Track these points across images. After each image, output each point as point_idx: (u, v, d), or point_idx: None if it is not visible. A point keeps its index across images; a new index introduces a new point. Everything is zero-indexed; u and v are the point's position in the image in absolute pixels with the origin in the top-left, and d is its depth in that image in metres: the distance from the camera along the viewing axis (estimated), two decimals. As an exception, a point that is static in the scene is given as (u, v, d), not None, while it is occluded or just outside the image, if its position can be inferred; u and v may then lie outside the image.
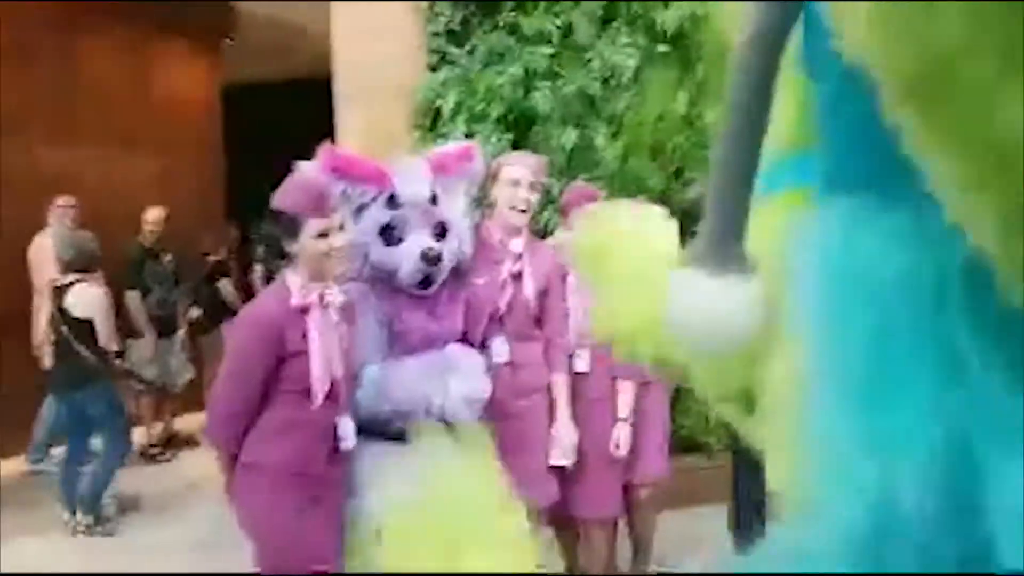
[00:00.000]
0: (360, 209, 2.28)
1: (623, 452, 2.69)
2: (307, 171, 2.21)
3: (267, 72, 7.67)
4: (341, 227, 2.09)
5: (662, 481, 2.96)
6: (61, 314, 3.77)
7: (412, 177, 2.33)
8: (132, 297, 4.97)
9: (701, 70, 3.90)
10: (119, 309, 4.60)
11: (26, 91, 5.44)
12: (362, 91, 3.83)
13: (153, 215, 5.24)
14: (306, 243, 2.03)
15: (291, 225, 2.04)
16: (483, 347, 2.56)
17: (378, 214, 2.29)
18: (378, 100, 3.81)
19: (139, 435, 5.08)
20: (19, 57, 5.38)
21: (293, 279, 2.07)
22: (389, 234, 2.29)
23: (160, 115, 6.55)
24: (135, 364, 4.87)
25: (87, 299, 3.77)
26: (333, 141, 3.92)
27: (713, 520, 3.11)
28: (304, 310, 2.03)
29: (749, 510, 2.89)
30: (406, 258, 2.26)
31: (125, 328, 4.82)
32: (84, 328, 3.75)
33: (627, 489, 2.86)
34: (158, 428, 5.35)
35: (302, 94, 6.30)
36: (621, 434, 2.69)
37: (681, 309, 0.85)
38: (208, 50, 7.19)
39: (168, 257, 5.23)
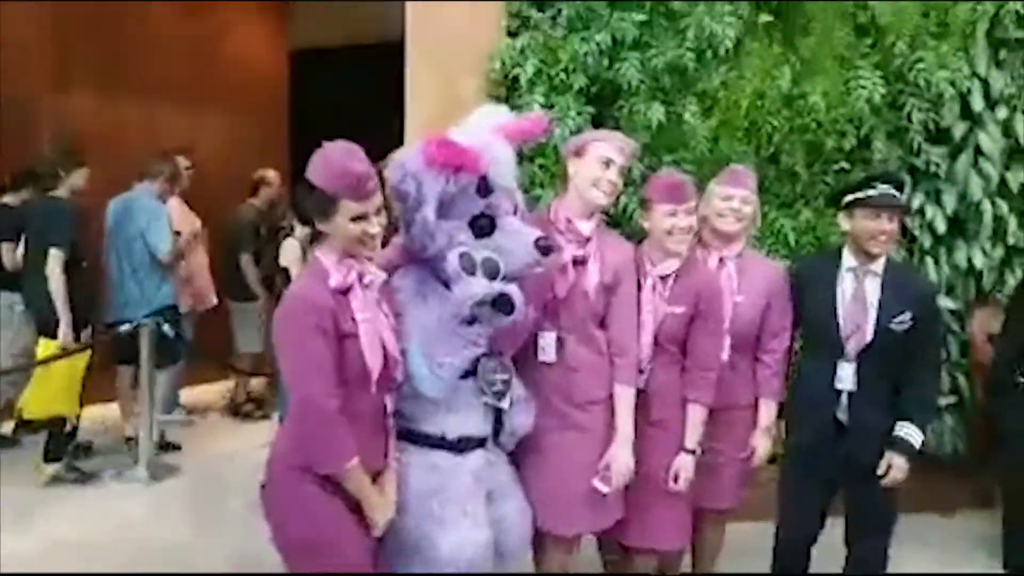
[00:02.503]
0: (450, 198, 2.03)
1: (682, 486, 2.39)
2: (405, 159, 1.99)
3: (337, 36, 7.44)
4: (379, 211, 1.87)
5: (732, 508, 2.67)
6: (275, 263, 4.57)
7: (502, 159, 2.08)
8: (247, 260, 5.22)
9: (807, 46, 3.51)
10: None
11: (98, 51, 5.41)
12: (433, 57, 3.54)
13: (273, 177, 5.42)
14: (340, 224, 1.83)
15: (325, 203, 1.82)
16: (533, 342, 2.30)
17: (469, 204, 2.05)
18: (451, 67, 3.52)
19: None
20: (91, 18, 5.34)
21: (327, 258, 1.87)
22: (480, 224, 2.06)
23: (228, 77, 6.46)
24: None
25: (288, 251, 4.44)
26: (402, 110, 3.72)
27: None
28: (345, 291, 1.83)
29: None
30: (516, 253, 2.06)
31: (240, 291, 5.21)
32: (286, 275, 4.41)
33: (695, 512, 2.59)
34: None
35: (372, 60, 6.04)
36: (682, 466, 2.39)
37: None
38: (276, 12, 7.04)
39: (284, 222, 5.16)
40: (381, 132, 3.12)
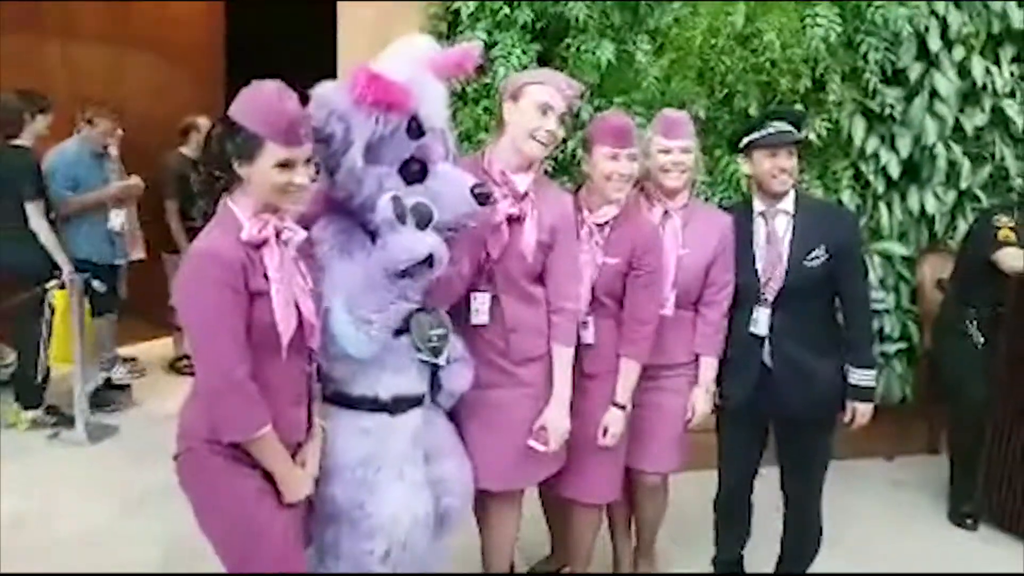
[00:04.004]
0: (379, 140, 1.84)
1: (610, 442, 2.32)
2: (330, 96, 1.79)
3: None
4: (308, 160, 1.69)
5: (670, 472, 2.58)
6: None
7: (433, 97, 1.89)
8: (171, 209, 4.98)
9: (764, -20, 3.36)
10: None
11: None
12: (367, -11, 3.30)
13: (204, 123, 4.98)
14: (263, 170, 1.64)
15: (249, 144, 1.63)
16: (466, 302, 2.16)
17: (399, 147, 1.87)
18: (386, 2, 3.29)
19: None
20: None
21: (241, 209, 1.68)
22: (411, 170, 1.89)
23: (158, 18, 6.07)
24: None
25: None
26: (334, 49, 3.48)
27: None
28: (258, 246, 1.65)
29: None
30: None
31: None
32: None
33: (629, 472, 2.51)
34: None
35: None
36: (612, 421, 2.31)
37: None
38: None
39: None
40: (321, 75, 2.91)
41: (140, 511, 3.22)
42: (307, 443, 1.82)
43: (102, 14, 5.61)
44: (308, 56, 4.41)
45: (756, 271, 2.43)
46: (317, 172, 1.82)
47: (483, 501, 2.27)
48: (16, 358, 4.19)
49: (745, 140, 2.46)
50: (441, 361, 2.02)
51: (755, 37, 3.33)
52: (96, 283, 4.13)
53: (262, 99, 1.64)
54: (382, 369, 1.93)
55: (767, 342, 2.43)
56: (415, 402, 2.01)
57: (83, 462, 3.77)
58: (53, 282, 3.92)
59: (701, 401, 2.47)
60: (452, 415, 2.17)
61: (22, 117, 3.99)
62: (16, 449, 3.80)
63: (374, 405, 1.94)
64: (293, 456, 1.77)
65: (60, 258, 3.98)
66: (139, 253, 4.86)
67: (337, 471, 1.89)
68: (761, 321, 2.43)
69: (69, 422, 4.03)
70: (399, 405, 1.96)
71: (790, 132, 2.41)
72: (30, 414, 4.12)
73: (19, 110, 4.00)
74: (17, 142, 4.01)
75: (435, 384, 2.08)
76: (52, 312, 3.92)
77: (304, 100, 1.76)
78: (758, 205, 2.48)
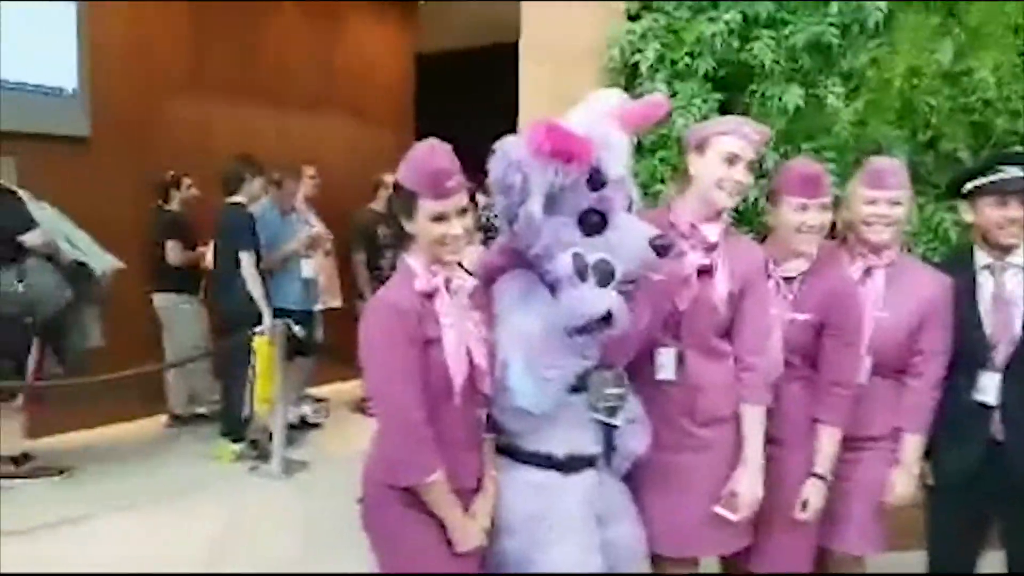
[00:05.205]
0: (558, 191, 1.83)
1: (809, 516, 2.13)
2: (509, 148, 1.82)
3: (463, 38, 7.43)
4: (463, 211, 1.75)
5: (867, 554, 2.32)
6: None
7: (616, 149, 1.88)
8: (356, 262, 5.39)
9: (974, 14, 3.08)
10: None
11: (229, 53, 5.61)
12: (549, 47, 3.37)
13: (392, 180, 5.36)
14: (421, 225, 1.74)
15: (407, 202, 1.74)
16: (650, 358, 2.07)
17: (578, 198, 1.86)
18: (567, 57, 3.34)
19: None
20: (224, 20, 5.55)
21: (414, 262, 1.78)
22: (590, 221, 1.86)
23: (355, 82, 6.57)
24: None
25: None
26: (516, 106, 3.57)
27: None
28: (430, 295, 1.73)
29: None
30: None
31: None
32: None
33: (821, 550, 2.28)
34: None
35: (500, 61, 5.98)
36: (812, 492, 2.12)
37: None
38: (402, 15, 7.10)
39: None
40: (504, 133, 3.00)
41: (327, 546, 3.38)
42: (479, 493, 1.83)
43: (309, 81, 6.15)
44: (492, 115, 4.61)
45: (983, 332, 2.19)
46: (485, 230, 1.87)
47: (657, 566, 2.17)
48: (223, 395, 4.62)
49: (969, 186, 2.25)
50: (617, 422, 1.96)
51: (965, 75, 3.06)
52: (296, 328, 4.46)
53: (415, 157, 1.75)
54: (556, 426, 1.90)
55: (997, 411, 2.17)
56: (588, 462, 1.95)
57: (278, 495, 4.04)
58: (258, 328, 4.27)
59: (902, 482, 2.23)
60: (629, 477, 2.09)
61: (242, 178, 4.51)
62: (219, 480, 4.18)
63: (547, 462, 1.91)
64: (466, 504, 1.79)
65: (263, 306, 4.36)
66: (336, 301, 5.22)
67: (507, 525, 1.88)
68: (989, 388, 2.18)
69: (266, 457, 4.34)
70: (572, 464, 1.92)
71: (1023, 179, 2.16)
72: (236, 447, 4.50)
73: (239, 172, 4.52)
74: (235, 199, 4.50)
75: (610, 446, 2.01)
76: (254, 357, 4.29)
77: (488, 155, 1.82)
78: (982, 258, 2.25)
